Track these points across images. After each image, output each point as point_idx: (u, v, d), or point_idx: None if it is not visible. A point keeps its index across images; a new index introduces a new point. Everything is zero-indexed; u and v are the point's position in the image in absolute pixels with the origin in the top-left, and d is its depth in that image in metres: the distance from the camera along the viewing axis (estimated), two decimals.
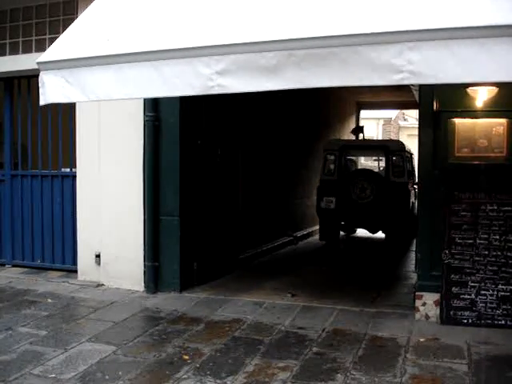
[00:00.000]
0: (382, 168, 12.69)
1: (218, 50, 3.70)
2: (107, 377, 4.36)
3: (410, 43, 3.31)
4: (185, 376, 4.38)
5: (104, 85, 4.23)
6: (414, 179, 11.73)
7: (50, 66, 4.44)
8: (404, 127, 35.50)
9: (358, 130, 13.14)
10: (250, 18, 3.88)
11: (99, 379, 4.32)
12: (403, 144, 11.95)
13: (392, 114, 33.51)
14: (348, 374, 4.44)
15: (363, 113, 19.90)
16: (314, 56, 3.51)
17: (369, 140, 12.22)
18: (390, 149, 11.30)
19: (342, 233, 12.57)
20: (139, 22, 4.34)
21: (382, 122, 31.06)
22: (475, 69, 3.28)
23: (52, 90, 4.47)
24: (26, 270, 8.01)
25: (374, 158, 13.37)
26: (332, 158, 11.50)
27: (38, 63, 4.51)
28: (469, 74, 3.30)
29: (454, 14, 3.32)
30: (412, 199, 11.25)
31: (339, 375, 4.40)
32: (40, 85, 4.54)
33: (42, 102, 4.59)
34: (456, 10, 3.35)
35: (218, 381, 4.30)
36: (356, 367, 4.57)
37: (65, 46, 4.58)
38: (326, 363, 4.66)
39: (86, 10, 4.97)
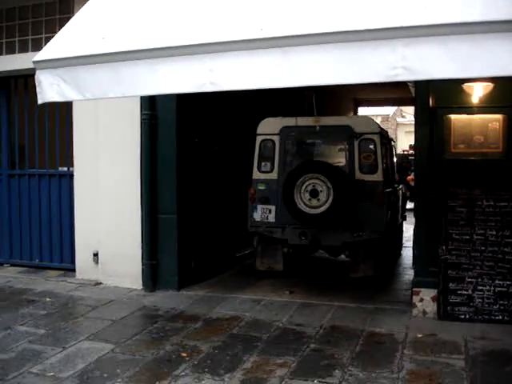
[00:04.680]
0: (344, 160, 7.82)
1: (212, 47, 3.69)
2: (105, 375, 4.37)
3: (405, 39, 3.30)
4: (183, 373, 4.39)
5: (99, 83, 4.22)
6: (394, 176, 9.05)
7: (45, 64, 4.43)
8: (402, 124, 35.54)
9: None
10: (244, 16, 3.87)
11: (97, 377, 4.33)
12: (376, 124, 8.03)
13: (390, 110, 33.56)
14: (346, 369, 4.45)
15: (361, 110, 19.91)
16: (308, 54, 3.51)
17: (324, 118, 7.93)
18: (355, 130, 7.47)
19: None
20: (134, 21, 4.34)
21: (379, 118, 31.06)
22: (469, 64, 3.27)
23: (48, 89, 4.46)
24: (24, 269, 8.03)
25: (331, 144, 8.02)
26: (269, 145, 7.84)
27: (33, 62, 4.50)
28: (463, 69, 3.30)
29: (447, 10, 3.32)
30: (391, 206, 8.03)
31: (337, 371, 4.41)
32: (36, 84, 4.53)
33: (39, 101, 4.58)
34: (450, 6, 3.35)
35: (216, 378, 4.32)
36: (353, 363, 4.58)
37: (60, 44, 4.58)
38: (323, 359, 4.67)
39: (82, 8, 4.97)
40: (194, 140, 7.33)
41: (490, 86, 5.66)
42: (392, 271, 8.34)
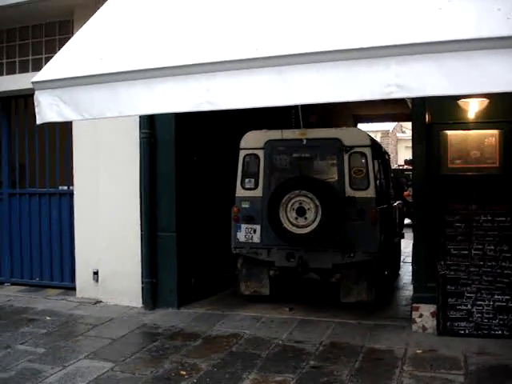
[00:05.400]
0: (333, 176, 7.18)
1: (208, 67, 3.75)
2: None
3: (398, 57, 3.35)
4: None
5: (97, 103, 4.28)
6: (389, 192, 8.58)
7: (44, 85, 4.50)
8: (402, 139, 35.70)
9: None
10: (240, 36, 3.93)
11: None
12: (367, 136, 7.33)
13: (390, 126, 33.72)
14: None
15: (360, 126, 19.97)
16: (304, 72, 3.56)
17: (311, 131, 7.27)
18: (345, 143, 6.93)
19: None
20: (131, 41, 4.40)
21: (379, 134, 31.18)
22: (462, 81, 3.31)
23: (47, 109, 4.51)
24: (24, 287, 8.03)
25: (319, 158, 7.38)
26: (254, 160, 7.36)
27: (32, 83, 4.57)
28: (456, 86, 3.34)
29: (439, 28, 3.37)
30: (386, 224, 7.42)
31: None
32: (35, 104, 4.59)
33: (38, 122, 4.63)
34: (442, 24, 3.40)
35: None
36: (353, 380, 4.58)
37: (59, 65, 4.64)
38: (323, 376, 4.66)
39: (80, 29, 5.04)
40: (193, 158, 7.38)
41: (485, 101, 5.71)
42: (391, 291, 8.30)
